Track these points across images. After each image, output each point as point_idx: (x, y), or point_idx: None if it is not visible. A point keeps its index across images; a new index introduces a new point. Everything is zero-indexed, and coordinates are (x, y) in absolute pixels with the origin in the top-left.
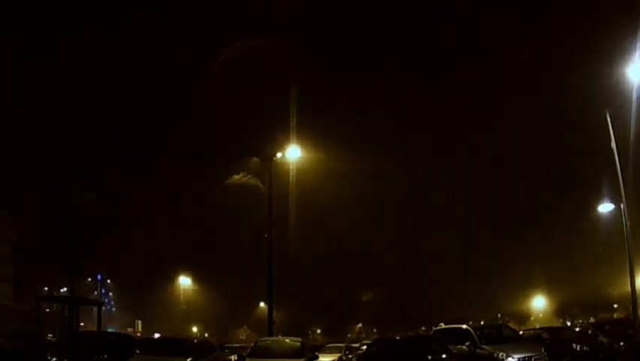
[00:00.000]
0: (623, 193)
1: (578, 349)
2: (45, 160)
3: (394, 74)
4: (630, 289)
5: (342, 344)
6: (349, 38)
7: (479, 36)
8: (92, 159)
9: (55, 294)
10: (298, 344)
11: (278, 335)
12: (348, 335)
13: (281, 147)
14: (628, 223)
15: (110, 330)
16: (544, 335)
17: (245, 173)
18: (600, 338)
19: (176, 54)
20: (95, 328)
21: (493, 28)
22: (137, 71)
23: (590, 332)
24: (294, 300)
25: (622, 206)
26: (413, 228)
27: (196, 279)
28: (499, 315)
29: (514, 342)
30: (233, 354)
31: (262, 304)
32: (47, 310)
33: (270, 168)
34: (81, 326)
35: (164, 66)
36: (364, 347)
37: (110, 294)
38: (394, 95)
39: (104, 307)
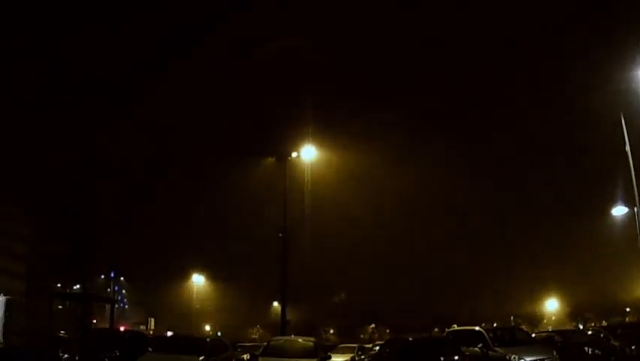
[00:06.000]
0: (637, 197)
1: (590, 352)
2: (58, 159)
3: (411, 73)
4: None
5: (354, 345)
6: (365, 36)
7: (493, 37)
8: (105, 158)
9: (68, 291)
10: (311, 343)
11: (291, 335)
12: (362, 336)
13: (297, 146)
14: None
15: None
16: (557, 337)
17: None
18: (612, 341)
19: (189, 54)
20: (107, 325)
21: (505, 28)
22: (148, 72)
23: (602, 335)
24: (307, 300)
25: (636, 209)
26: (426, 228)
27: (209, 277)
28: (512, 317)
29: (527, 345)
30: (246, 353)
31: (275, 303)
32: (60, 307)
33: (285, 168)
34: (94, 324)
35: (177, 66)
36: (377, 348)
37: (124, 291)
38: (411, 95)
39: (116, 305)
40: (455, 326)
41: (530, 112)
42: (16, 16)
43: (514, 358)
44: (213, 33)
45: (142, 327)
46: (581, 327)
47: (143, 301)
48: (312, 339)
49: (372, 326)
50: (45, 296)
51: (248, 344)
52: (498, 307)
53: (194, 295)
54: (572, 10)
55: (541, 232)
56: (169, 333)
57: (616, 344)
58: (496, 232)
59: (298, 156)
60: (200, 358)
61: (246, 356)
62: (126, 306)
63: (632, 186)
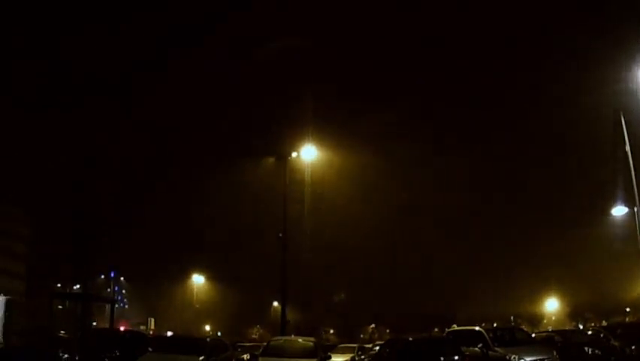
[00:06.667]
0: (637, 197)
1: (590, 352)
2: (58, 159)
3: (411, 73)
4: None
5: (354, 345)
6: (365, 36)
7: (493, 37)
8: (105, 158)
9: (68, 291)
10: (311, 343)
11: (291, 335)
12: (362, 336)
13: (297, 146)
14: None
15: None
16: (557, 337)
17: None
18: (612, 341)
19: (189, 54)
20: (107, 325)
21: (505, 28)
22: (148, 72)
23: (602, 335)
24: (307, 300)
25: (636, 209)
26: (426, 227)
27: (209, 277)
28: (512, 317)
29: (527, 345)
30: (246, 353)
31: (275, 303)
32: (60, 307)
33: (285, 168)
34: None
35: (177, 66)
36: (377, 348)
37: (124, 291)
38: (411, 95)
39: (116, 305)
40: (455, 326)
41: (530, 112)
42: (16, 16)
43: (514, 358)
44: (213, 33)
45: (142, 327)
46: (581, 327)
47: (143, 301)
48: (312, 339)
49: (372, 326)
50: (45, 296)
51: (248, 344)
52: (498, 307)
53: (194, 295)
54: (571, 10)
55: (541, 232)
56: (169, 333)
57: (616, 344)
58: (496, 232)
59: (298, 156)
60: (200, 358)
61: (246, 356)
62: (126, 306)
63: (632, 186)
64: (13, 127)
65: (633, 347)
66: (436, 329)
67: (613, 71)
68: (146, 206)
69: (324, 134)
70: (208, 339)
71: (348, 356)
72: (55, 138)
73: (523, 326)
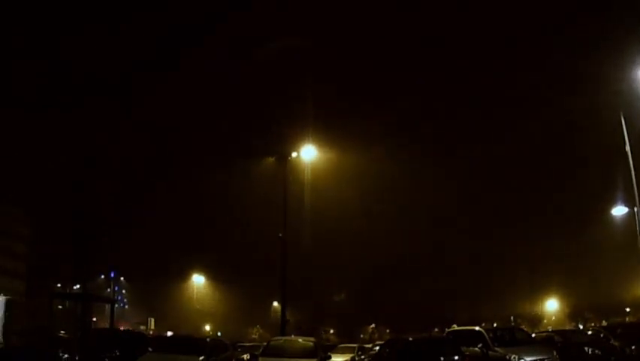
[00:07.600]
0: (637, 197)
1: (590, 352)
2: (58, 159)
3: (411, 73)
4: None
5: (354, 345)
6: (365, 36)
7: (493, 37)
8: (105, 158)
9: (68, 291)
10: (311, 343)
11: (291, 335)
12: (362, 336)
13: (297, 146)
14: None
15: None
16: (557, 338)
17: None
18: (612, 341)
19: (189, 54)
20: (107, 325)
21: (505, 28)
22: (148, 72)
23: (602, 335)
24: (307, 300)
25: (636, 209)
26: (427, 229)
27: (209, 277)
28: (512, 317)
29: (527, 345)
30: (246, 353)
31: (275, 303)
32: (60, 307)
33: (285, 168)
34: (94, 323)
35: (177, 66)
36: (377, 348)
37: (124, 291)
38: (411, 95)
39: (116, 305)
40: (455, 326)
41: (530, 112)
42: (16, 16)
43: (514, 358)
44: (213, 33)
45: (142, 327)
46: (581, 327)
47: (143, 301)
48: (312, 339)
49: (372, 326)
50: (45, 296)
51: (248, 344)
52: (498, 307)
53: (195, 296)
54: (571, 10)
55: (542, 231)
56: (169, 333)
57: (616, 344)
58: (496, 232)
59: (298, 156)
60: (200, 358)
61: (246, 356)
62: (126, 306)
63: (632, 186)
64: (13, 127)
65: (633, 347)
66: (436, 329)
67: (613, 71)
68: (146, 206)
69: (324, 134)
70: (208, 339)
71: (348, 356)
72: (55, 138)
73: (523, 326)
